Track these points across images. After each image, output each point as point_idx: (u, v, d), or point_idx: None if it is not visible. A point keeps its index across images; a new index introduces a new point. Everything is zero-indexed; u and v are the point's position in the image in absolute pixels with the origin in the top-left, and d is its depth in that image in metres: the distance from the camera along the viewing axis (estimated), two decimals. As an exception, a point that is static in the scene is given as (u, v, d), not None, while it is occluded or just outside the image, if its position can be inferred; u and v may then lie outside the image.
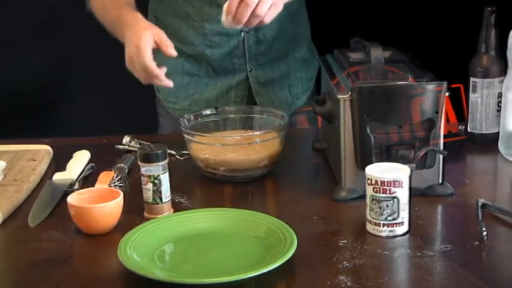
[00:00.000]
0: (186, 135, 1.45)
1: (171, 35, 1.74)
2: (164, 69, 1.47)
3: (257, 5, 1.40)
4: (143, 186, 1.28)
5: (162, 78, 1.46)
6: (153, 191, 1.27)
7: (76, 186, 1.40)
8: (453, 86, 1.57)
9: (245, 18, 1.41)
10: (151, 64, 1.44)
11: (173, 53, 1.47)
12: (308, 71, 1.83)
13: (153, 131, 1.91)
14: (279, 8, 1.45)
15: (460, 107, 1.60)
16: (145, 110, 2.41)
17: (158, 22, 1.77)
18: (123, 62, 2.49)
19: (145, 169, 1.27)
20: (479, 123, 1.56)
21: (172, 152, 1.53)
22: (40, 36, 2.57)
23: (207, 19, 1.69)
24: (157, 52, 1.80)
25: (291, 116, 1.79)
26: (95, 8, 1.68)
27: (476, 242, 1.16)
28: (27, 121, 2.58)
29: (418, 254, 1.13)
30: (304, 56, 1.82)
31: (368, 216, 1.20)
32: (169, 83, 1.48)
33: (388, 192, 1.17)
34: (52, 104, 2.64)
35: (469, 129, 1.58)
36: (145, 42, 1.44)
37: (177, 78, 1.75)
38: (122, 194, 1.25)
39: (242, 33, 1.71)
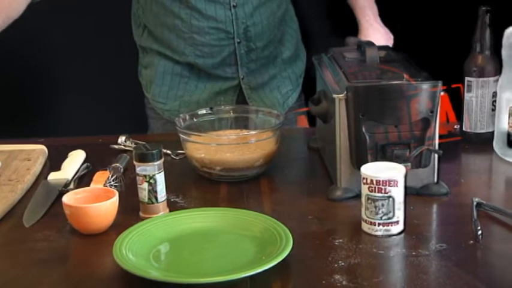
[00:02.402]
0: (181, 135, 1.45)
1: (161, 43, 1.76)
2: None
3: None
4: (138, 185, 1.28)
5: None
6: (149, 190, 1.27)
7: (71, 186, 1.40)
8: (453, 86, 1.58)
9: None
10: None
11: None
12: (295, 68, 1.84)
13: (149, 131, 1.91)
14: None
15: (460, 107, 1.60)
16: (141, 110, 2.41)
17: (146, 30, 1.77)
18: (118, 62, 2.50)
19: (140, 169, 1.27)
20: (474, 122, 1.56)
21: (168, 151, 1.53)
22: (34, 35, 2.57)
23: (196, 31, 1.70)
24: (146, 52, 1.82)
25: (291, 115, 1.80)
26: None
27: (471, 241, 1.16)
28: (22, 121, 2.57)
29: (413, 253, 1.13)
30: (290, 55, 1.83)
31: (363, 216, 1.20)
32: None
33: (383, 191, 1.17)
34: (47, 103, 2.63)
35: (464, 129, 1.58)
36: None
37: (167, 79, 1.76)
38: (117, 193, 1.25)
39: (234, 44, 1.71)
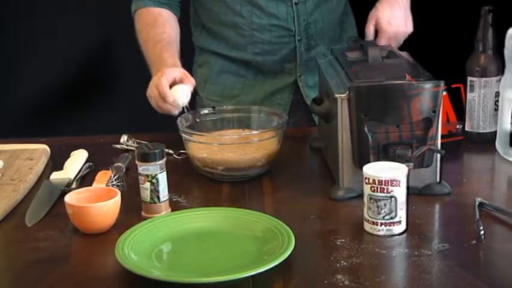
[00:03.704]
0: (183, 135, 1.45)
1: (219, 41, 1.75)
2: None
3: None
4: (141, 185, 1.28)
5: (170, 100, 1.46)
6: (151, 190, 1.27)
7: (73, 186, 1.40)
8: (453, 86, 1.58)
9: None
10: (165, 85, 1.46)
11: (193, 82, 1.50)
12: None
13: (151, 130, 1.91)
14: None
15: (460, 107, 1.60)
16: (143, 109, 2.42)
17: (204, 29, 1.77)
18: (123, 63, 2.49)
19: (142, 168, 1.27)
20: (476, 122, 1.56)
21: (170, 151, 1.53)
22: (39, 36, 2.57)
23: (257, 28, 1.69)
24: (202, 51, 1.80)
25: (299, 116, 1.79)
26: (138, 33, 1.68)
27: (474, 241, 1.16)
28: (25, 120, 2.58)
29: (416, 253, 1.13)
30: None
31: (366, 215, 1.20)
32: (176, 112, 1.48)
33: (385, 191, 1.17)
34: (49, 103, 2.64)
35: (466, 129, 1.58)
36: (163, 83, 1.47)
37: (223, 78, 1.76)
38: (119, 193, 1.25)
39: (295, 42, 1.70)
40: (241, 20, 1.68)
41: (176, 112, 1.47)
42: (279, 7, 1.67)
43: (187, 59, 1.82)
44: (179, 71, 1.51)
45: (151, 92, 1.50)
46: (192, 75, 1.84)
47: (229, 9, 1.68)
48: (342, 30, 1.80)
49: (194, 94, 1.86)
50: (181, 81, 1.49)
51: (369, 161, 1.25)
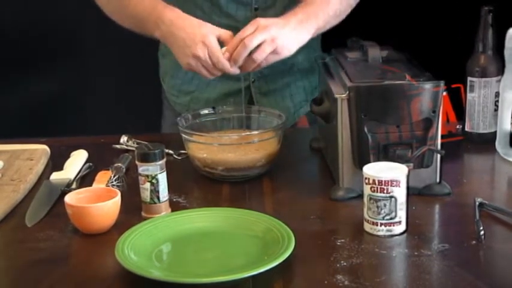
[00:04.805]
0: (183, 135, 1.45)
1: None
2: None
3: (255, 50, 1.39)
4: (141, 185, 1.28)
5: (233, 70, 1.44)
6: (151, 190, 1.27)
7: (73, 186, 1.40)
8: (453, 86, 1.58)
9: (241, 59, 1.41)
10: (226, 62, 1.43)
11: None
12: (312, 80, 1.80)
13: (151, 131, 1.91)
14: (279, 56, 1.45)
15: (460, 107, 1.60)
16: (143, 110, 2.42)
17: None
18: (124, 63, 2.47)
19: (142, 168, 1.27)
20: (476, 122, 1.56)
21: (170, 151, 1.53)
22: (36, 32, 2.58)
23: (215, 25, 1.67)
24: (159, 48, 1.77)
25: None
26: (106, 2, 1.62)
27: (474, 241, 1.16)
28: (25, 120, 2.58)
29: (416, 253, 1.13)
30: (309, 66, 1.79)
31: (365, 216, 1.20)
32: (237, 70, 1.45)
33: (385, 191, 1.17)
34: (50, 103, 2.64)
35: (466, 129, 1.58)
36: (213, 39, 1.43)
37: (181, 73, 1.75)
38: (119, 193, 1.25)
39: None
40: (202, 14, 1.66)
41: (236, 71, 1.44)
42: (238, 10, 1.65)
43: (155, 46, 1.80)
44: (215, 30, 1.46)
45: (199, 62, 1.44)
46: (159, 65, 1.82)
47: (191, 1, 1.67)
48: (305, 45, 1.73)
49: (147, 95, 1.83)
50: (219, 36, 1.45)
51: (368, 161, 1.25)
